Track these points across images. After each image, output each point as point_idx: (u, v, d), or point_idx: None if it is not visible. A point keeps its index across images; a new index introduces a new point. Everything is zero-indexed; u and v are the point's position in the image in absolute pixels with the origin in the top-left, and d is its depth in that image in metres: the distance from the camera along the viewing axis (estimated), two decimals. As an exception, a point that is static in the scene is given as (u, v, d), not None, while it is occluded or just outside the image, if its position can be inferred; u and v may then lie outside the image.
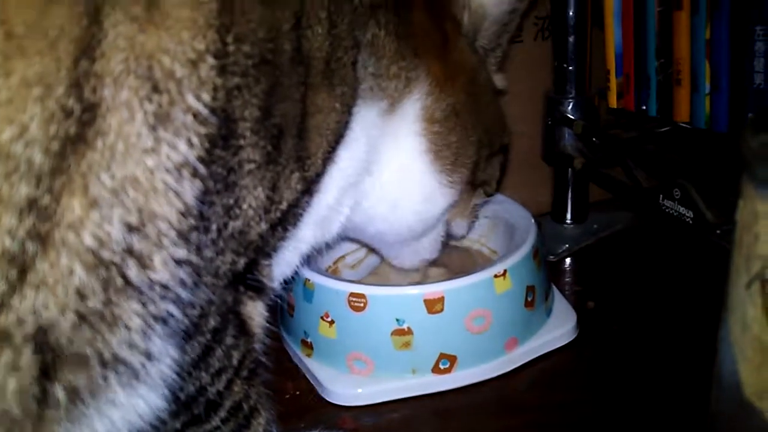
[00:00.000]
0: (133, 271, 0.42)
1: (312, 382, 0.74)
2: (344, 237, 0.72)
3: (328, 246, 0.71)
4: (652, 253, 0.93)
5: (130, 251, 0.42)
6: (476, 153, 0.67)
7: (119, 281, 0.42)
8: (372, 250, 0.82)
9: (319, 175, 0.56)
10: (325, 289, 0.73)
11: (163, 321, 0.45)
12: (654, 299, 0.84)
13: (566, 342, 0.78)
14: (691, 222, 0.76)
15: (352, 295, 0.72)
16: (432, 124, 0.64)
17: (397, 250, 0.75)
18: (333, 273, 0.83)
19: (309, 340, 0.75)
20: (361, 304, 0.72)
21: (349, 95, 0.56)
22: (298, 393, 0.74)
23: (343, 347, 0.73)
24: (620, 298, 0.85)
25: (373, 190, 0.65)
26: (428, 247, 0.75)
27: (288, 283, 0.65)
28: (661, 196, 0.78)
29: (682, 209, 0.76)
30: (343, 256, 0.86)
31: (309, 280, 0.74)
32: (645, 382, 0.72)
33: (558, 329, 0.78)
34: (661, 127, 0.84)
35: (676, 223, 0.77)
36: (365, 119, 0.59)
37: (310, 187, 0.56)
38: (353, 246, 0.85)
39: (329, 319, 0.73)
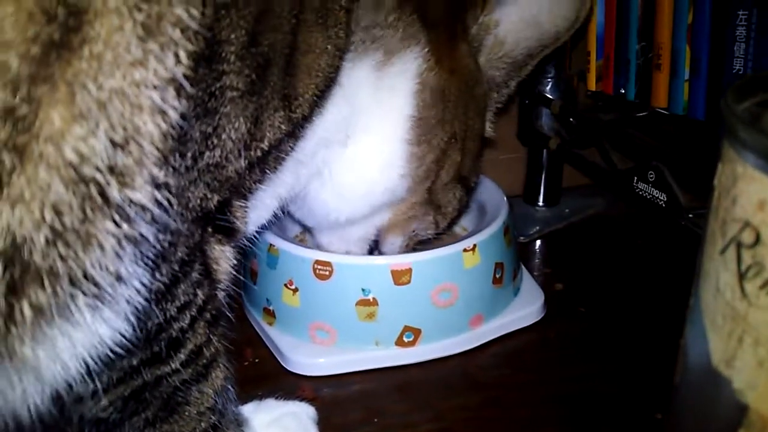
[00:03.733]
0: (113, 190, 0.40)
1: (272, 350, 0.73)
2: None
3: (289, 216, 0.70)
4: (623, 238, 0.93)
5: (112, 169, 0.40)
6: (447, 144, 0.66)
7: (98, 199, 0.40)
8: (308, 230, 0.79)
9: (305, 119, 0.55)
10: (289, 255, 0.72)
11: (136, 243, 0.43)
12: (623, 283, 0.84)
13: (532, 322, 0.77)
14: (664, 205, 0.75)
15: (317, 262, 0.70)
16: (424, 89, 0.63)
17: (329, 235, 0.73)
18: (300, 242, 0.82)
19: (271, 308, 0.74)
20: (327, 273, 0.70)
21: (342, 40, 0.55)
22: (257, 361, 0.73)
23: (306, 316, 0.72)
24: (588, 281, 0.85)
25: (342, 156, 0.64)
26: (356, 241, 0.73)
27: (260, 234, 0.64)
28: (635, 178, 0.78)
29: (655, 192, 0.76)
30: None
31: (273, 245, 0.73)
32: (609, 364, 0.72)
33: (525, 308, 0.77)
34: (638, 112, 0.83)
35: (648, 206, 0.77)
36: (357, 74, 0.59)
37: (295, 131, 0.54)
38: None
39: (293, 287, 0.72)
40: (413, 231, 0.72)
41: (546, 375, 0.71)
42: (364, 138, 0.64)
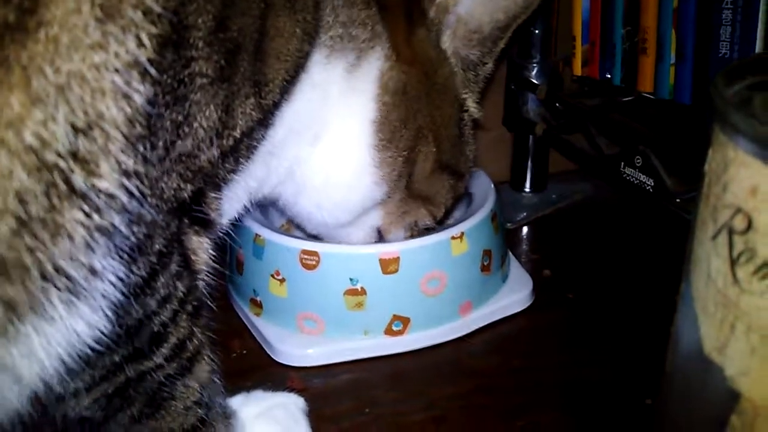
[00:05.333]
0: (78, 177, 0.39)
1: (260, 341, 0.72)
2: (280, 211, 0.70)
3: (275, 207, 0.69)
4: (610, 224, 0.92)
5: (75, 155, 0.39)
6: (413, 140, 0.65)
7: (63, 187, 0.39)
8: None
9: (275, 106, 0.54)
10: (276, 245, 0.71)
11: (108, 234, 0.42)
12: (611, 269, 0.84)
13: (521, 308, 0.77)
14: (651, 190, 0.75)
15: (304, 252, 0.69)
16: (384, 93, 0.63)
17: (335, 234, 0.72)
18: (286, 231, 0.81)
19: (258, 298, 0.73)
20: (314, 262, 0.69)
21: (311, 24, 0.54)
22: (245, 352, 0.72)
23: (293, 306, 0.71)
24: (577, 267, 0.85)
25: (312, 159, 0.63)
26: (361, 237, 0.71)
27: (235, 230, 0.63)
28: (622, 163, 0.78)
29: (642, 177, 0.76)
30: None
31: (259, 236, 0.72)
32: (598, 350, 0.72)
33: (513, 295, 0.77)
34: (624, 97, 0.83)
35: (636, 191, 0.77)
36: (331, 72, 0.59)
37: (266, 118, 0.54)
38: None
39: (280, 277, 0.71)
40: (413, 222, 0.71)
41: (536, 361, 0.71)
42: (332, 145, 0.63)
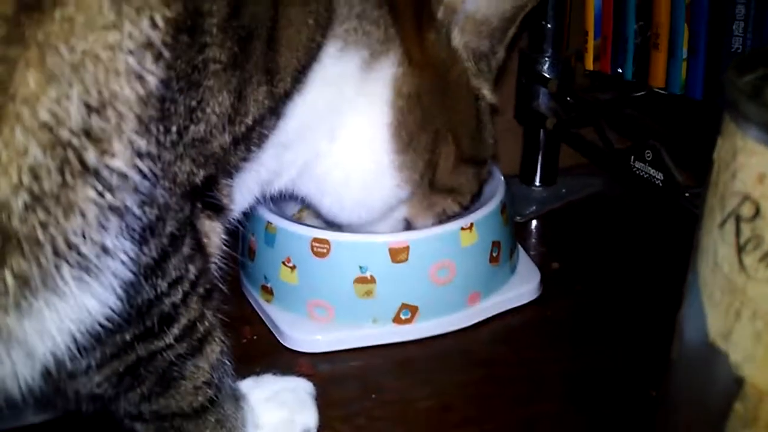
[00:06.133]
0: (91, 155, 0.40)
1: (270, 327, 0.73)
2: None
3: (291, 197, 0.70)
4: (620, 218, 0.93)
5: (88, 133, 0.40)
6: (433, 144, 0.66)
7: (76, 164, 0.40)
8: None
9: (287, 96, 0.55)
10: (287, 233, 0.72)
11: (120, 214, 0.43)
12: (619, 262, 0.84)
13: (529, 300, 0.77)
14: (660, 184, 0.75)
15: (315, 240, 0.70)
16: (398, 98, 0.63)
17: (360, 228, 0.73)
18: (298, 220, 0.82)
19: (269, 285, 0.74)
20: (324, 250, 0.70)
21: (323, 15, 0.55)
22: (255, 337, 0.73)
23: (304, 293, 0.72)
24: (585, 260, 0.85)
25: (329, 156, 0.64)
26: (390, 228, 0.72)
27: (247, 218, 0.64)
28: (632, 157, 0.78)
29: (652, 171, 0.76)
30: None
31: (271, 223, 0.73)
32: (605, 342, 0.72)
33: (522, 286, 0.78)
34: (636, 92, 0.83)
35: (645, 185, 0.77)
36: (345, 66, 0.59)
37: (277, 106, 0.54)
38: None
39: (291, 264, 0.72)
40: (441, 211, 0.72)
41: (543, 352, 0.72)
42: (351, 146, 0.63)
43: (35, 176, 0.39)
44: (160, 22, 0.41)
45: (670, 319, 0.46)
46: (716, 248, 0.38)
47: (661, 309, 0.52)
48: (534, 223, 0.93)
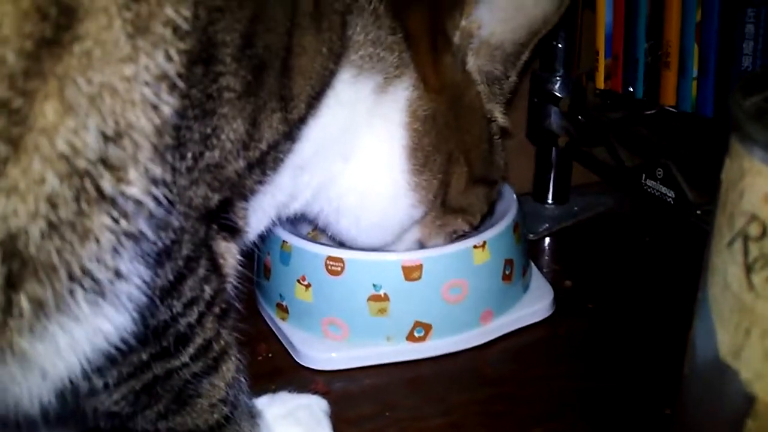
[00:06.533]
0: (107, 183, 0.41)
1: (286, 345, 0.74)
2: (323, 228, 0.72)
3: (304, 218, 0.71)
4: (632, 235, 0.93)
5: (105, 162, 0.41)
6: (446, 164, 0.67)
7: (92, 192, 0.41)
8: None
9: (301, 121, 0.55)
10: (302, 251, 0.73)
11: (135, 239, 0.44)
12: (631, 280, 0.84)
13: (542, 318, 0.78)
14: (672, 202, 0.76)
15: (329, 258, 0.71)
16: (414, 120, 0.64)
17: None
18: (312, 239, 0.83)
19: (284, 303, 0.75)
20: (339, 268, 0.71)
21: (337, 43, 0.56)
22: (270, 355, 0.74)
23: (318, 311, 0.72)
24: (597, 278, 0.85)
25: (344, 177, 0.64)
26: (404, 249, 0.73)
27: (267, 241, 0.65)
28: (643, 175, 0.79)
29: (663, 189, 0.77)
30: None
31: (286, 242, 0.73)
32: (618, 361, 0.72)
33: (534, 305, 0.78)
34: (647, 110, 0.84)
35: (657, 203, 0.78)
36: (359, 92, 0.60)
37: (291, 131, 0.55)
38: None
39: (306, 283, 0.73)
40: (452, 231, 0.72)
41: (555, 370, 0.72)
42: (366, 168, 0.64)
43: (52, 204, 0.40)
44: (174, 55, 0.42)
45: (683, 337, 0.47)
46: (725, 267, 0.39)
47: (674, 327, 0.53)
48: (547, 241, 0.93)
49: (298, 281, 0.73)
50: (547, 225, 0.94)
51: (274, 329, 0.76)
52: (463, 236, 0.73)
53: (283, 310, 0.75)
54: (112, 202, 0.42)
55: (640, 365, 0.71)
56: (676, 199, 0.76)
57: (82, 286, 0.42)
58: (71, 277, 0.42)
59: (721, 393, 0.40)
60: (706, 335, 0.41)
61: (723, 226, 0.39)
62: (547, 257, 0.91)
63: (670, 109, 0.82)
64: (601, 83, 0.88)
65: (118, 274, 0.44)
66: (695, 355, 0.44)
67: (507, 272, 0.75)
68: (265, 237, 0.67)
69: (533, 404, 0.68)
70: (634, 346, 0.74)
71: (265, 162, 0.54)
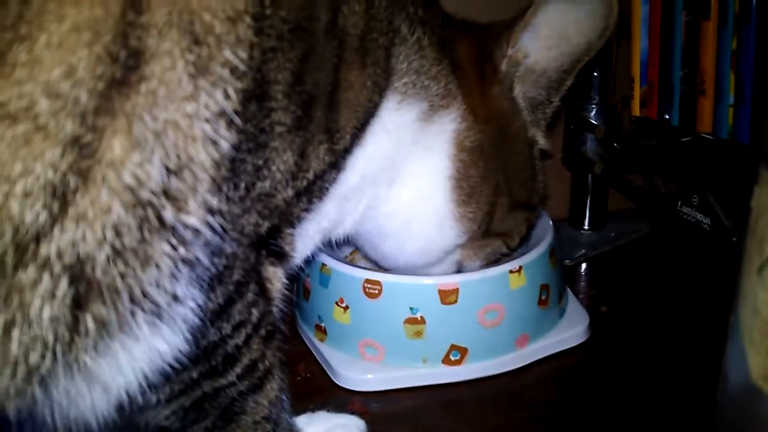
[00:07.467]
0: (168, 213, 0.44)
1: (324, 365, 0.75)
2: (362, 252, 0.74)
3: (345, 241, 0.72)
4: (667, 261, 0.93)
5: (166, 193, 0.44)
6: (492, 196, 0.68)
7: (155, 221, 0.44)
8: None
9: (347, 151, 0.58)
10: (341, 274, 0.74)
11: (191, 265, 0.46)
12: (667, 306, 0.84)
13: (577, 343, 0.78)
14: (708, 229, 0.76)
15: (367, 281, 0.73)
16: (461, 152, 0.65)
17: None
18: (350, 262, 0.84)
19: (323, 324, 0.76)
20: (376, 291, 0.72)
21: (382, 77, 0.58)
22: (309, 375, 0.75)
23: (356, 333, 0.74)
24: (633, 303, 0.86)
25: (389, 201, 0.66)
26: (443, 271, 0.74)
27: (307, 264, 0.66)
28: (679, 202, 0.79)
29: (699, 216, 0.77)
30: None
31: (326, 265, 0.75)
32: (653, 386, 0.72)
33: (570, 330, 0.78)
34: (682, 137, 0.84)
35: (693, 229, 0.78)
36: (403, 118, 0.61)
37: (337, 161, 0.57)
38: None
39: (344, 305, 0.74)
40: (490, 252, 0.74)
41: (590, 395, 0.72)
42: (412, 197, 0.66)
43: (117, 232, 0.43)
44: (232, 94, 0.45)
45: (718, 363, 0.47)
46: (755, 293, 0.39)
47: (710, 352, 0.53)
48: (583, 266, 0.94)
49: (337, 303, 0.75)
50: (583, 251, 0.95)
51: (312, 350, 0.78)
52: (501, 258, 0.74)
53: (321, 331, 0.77)
54: (172, 230, 0.44)
55: (676, 390, 0.71)
56: (711, 226, 0.76)
57: (142, 309, 0.45)
58: (133, 300, 0.45)
59: (753, 416, 0.41)
60: (738, 359, 0.42)
61: (753, 253, 0.40)
62: (583, 283, 0.92)
63: (706, 136, 0.82)
64: (636, 110, 0.89)
65: (175, 297, 0.46)
66: (728, 379, 0.44)
67: (543, 297, 0.76)
68: (309, 261, 0.69)
69: (568, 428, 0.68)
70: (670, 372, 0.74)
71: (311, 191, 0.57)
